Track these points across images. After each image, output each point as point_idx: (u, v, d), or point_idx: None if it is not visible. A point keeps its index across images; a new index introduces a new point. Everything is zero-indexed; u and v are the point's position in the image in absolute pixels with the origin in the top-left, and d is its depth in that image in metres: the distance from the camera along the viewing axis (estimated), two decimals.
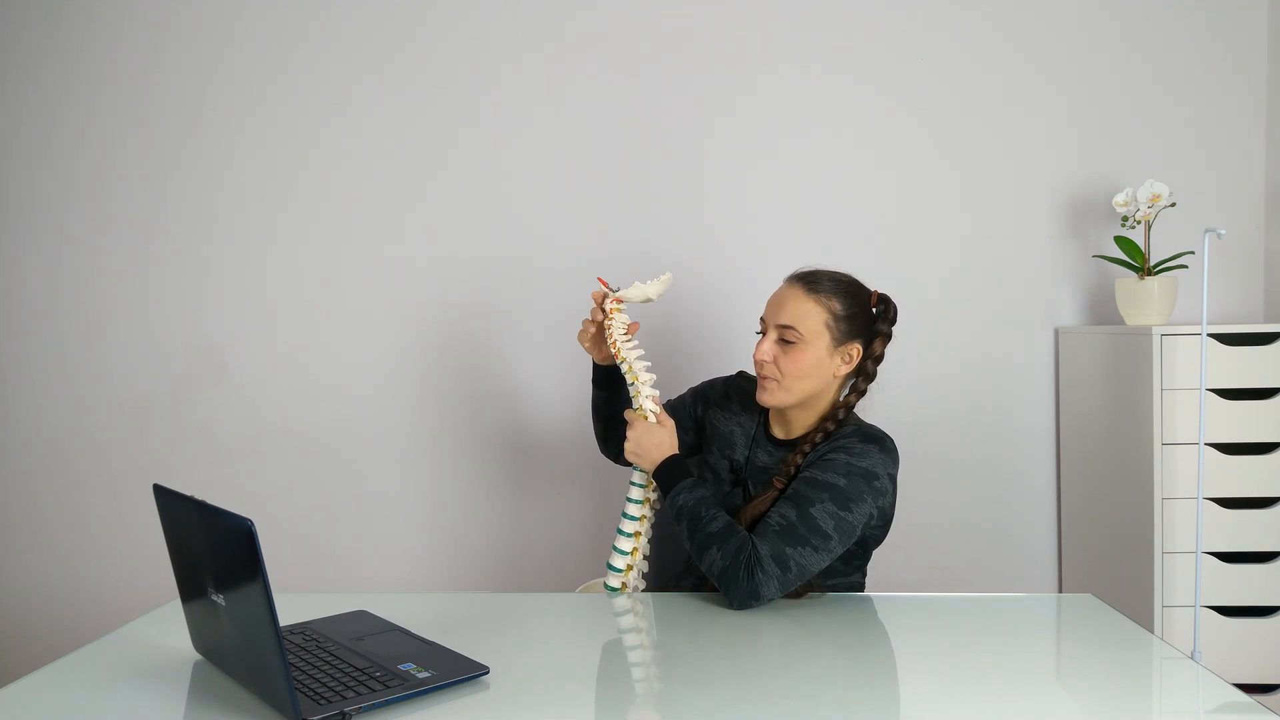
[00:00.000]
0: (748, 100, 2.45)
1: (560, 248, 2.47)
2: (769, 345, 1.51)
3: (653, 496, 1.59)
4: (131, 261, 2.53)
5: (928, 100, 2.43)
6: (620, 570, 1.56)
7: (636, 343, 1.57)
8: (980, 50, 2.42)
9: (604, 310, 1.58)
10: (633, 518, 1.57)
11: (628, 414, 1.57)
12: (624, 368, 1.56)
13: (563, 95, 2.46)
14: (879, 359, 1.54)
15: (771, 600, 1.40)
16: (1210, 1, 2.39)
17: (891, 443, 1.49)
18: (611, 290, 1.57)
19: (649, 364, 1.57)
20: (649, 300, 1.56)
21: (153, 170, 2.52)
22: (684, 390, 1.82)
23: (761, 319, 1.55)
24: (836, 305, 1.50)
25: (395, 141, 2.48)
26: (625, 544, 1.56)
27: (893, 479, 1.48)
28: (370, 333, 2.51)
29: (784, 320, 1.50)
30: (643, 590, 1.59)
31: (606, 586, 1.57)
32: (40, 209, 2.54)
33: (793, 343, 1.49)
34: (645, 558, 1.59)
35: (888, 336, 1.54)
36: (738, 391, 1.69)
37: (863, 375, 1.54)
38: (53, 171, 2.53)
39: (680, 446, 1.73)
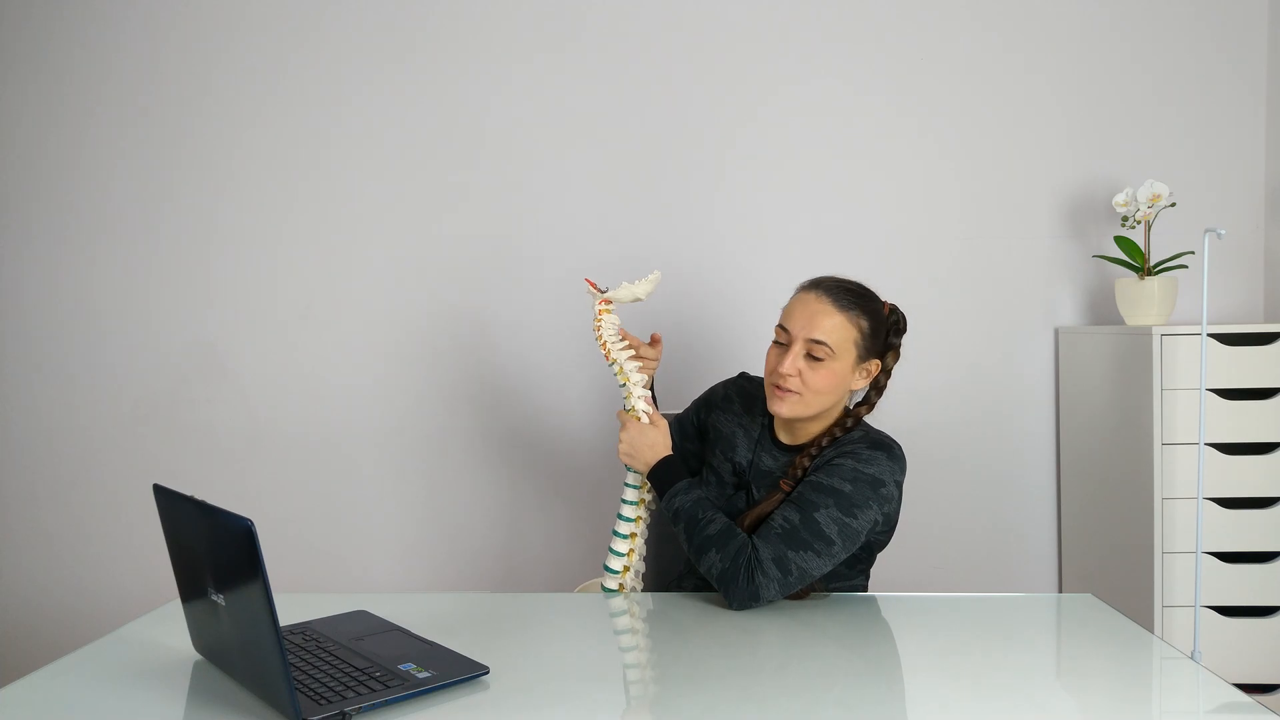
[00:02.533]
0: (749, 104, 2.45)
1: (562, 249, 2.47)
2: (795, 359, 1.46)
3: (648, 497, 1.59)
4: (131, 262, 2.53)
5: (928, 101, 2.43)
6: (617, 572, 1.56)
7: (627, 343, 1.56)
8: (980, 51, 2.42)
9: (593, 311, 1.58)
10: (627, 519, 1.57)
11: (619, 415, 1.57)
12: (614, 369, 1.55)
13: (568, 99, 2.46)
14: (889, 372, 1.54)
15: (771, 602, 1.40)
16: (1210, 2, 2.39)
17: (899, 449, 1.48)
18: (600, 291, 1.55)
19: (640, 364, 1.57)
20: (638, 300, 1.54)
21: (152, 171, 2.52)
22: (690, 403, 1.81)
23: (782, 328, 1.50)
24: (865, 324, 1.49)
25: (397, 142, 2.48)
26: (621, 545, 1.56)
27: (899, 486, 1.47)
28: (370, 333, 2.51)
29: (817, 335, 1.45)
30: (640, 591, 1.60)
31: (603, 588, 1.57)
32: (40, 209, 2.54)
33: (821, 359, 1.46)
34: (642, 558, 1.59)
35: (899, 350, 1.54)
36: (739, 393, 1.68)
37: (874, 389, 1.54)
38: (53, 172, 2.53)
39: (688, 458, 1.73)
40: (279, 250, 2.51)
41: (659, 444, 1.53)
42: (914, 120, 2.44)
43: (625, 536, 1.57)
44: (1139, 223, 2.20)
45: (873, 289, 1.55)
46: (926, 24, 2.42)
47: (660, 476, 1.52)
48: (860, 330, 1.48)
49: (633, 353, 1.56)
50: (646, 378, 1.57)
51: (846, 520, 1.40)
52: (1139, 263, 2.20)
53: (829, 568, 1.41)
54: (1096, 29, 2.41)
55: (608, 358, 1.55)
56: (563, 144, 2.47)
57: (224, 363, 2.53)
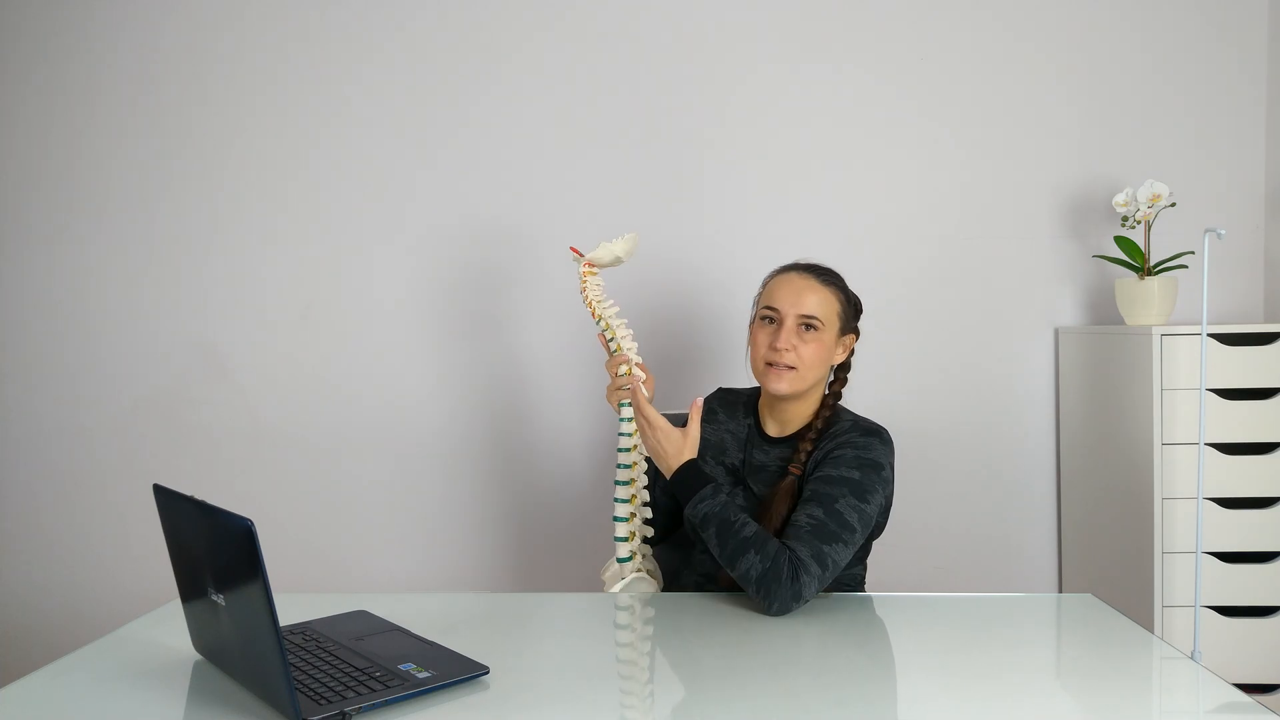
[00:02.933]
0: (748, 98, 2.45)
1: (562, 248, 2.47)
2: (790, 334, 1.52)
3: (639, 459, 1.61)
4: (130, 261, 2.53)
5: (928, 100, 2.43)
6: (625, 539, 1.60)
7: (613, 301, 1.60)
8: (980, 50, 2.42)
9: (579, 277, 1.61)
10: (624, 482, 1.60)
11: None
12: (600, 326, 1.60)
13: (562, 89, 2.46)
14: (853, 352, 1.64)
15: (807, 601, 1.40)
16: (1210, 2, 2.39)
17: (888, 434, 1.54)
18: (581, 255, 1.60)
19: (627, 320, 1.61)
20: (619, 260, 1.59)
21: (151, 170, 2.52)
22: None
23: (770, 308, 1.55)
24: (843, 297, 1.58)
25: (394, 140, 2.48)
26: (622, 510, 1.60)
27: (892, 468, 1.53)
28: (369, 332, 2.51)
29: (807, 310, 1.52)
30: (651, 570, 1.63)
31: (618, 559, 1.59)
32: (39, 208, 2.54)
33: (815, 330, 1.52)
34: (646, 522, 1.62)
35: (857, 331, 1.64)
36: (721, 403, 1.72)
37: (842, 366, 1.63)
38: (51, 171, 2.53)
39: None
40: (278, 250, 2.51)
41: (684, 451, 1.51)
42: (914, 120, 2.44)
43: (625, 501, 1.60)
44: (1139, 223, 2.20)
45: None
46: (926, 24, 2.42)
47: (685, 481, 1.49)
48: (840, 304, 1.58)
49: (618, 309, 1.60)
50: (632, 333, 1.61)
51: (862, 506, 1.44)
52: (1139, 263, 2.20)
53: (850, 556, 1.45)
54: (1097, 29, 2.41)
55: (594, 316, 1.59)
56: (563, 143, 2.46)
57: (224, 363, 2.53)
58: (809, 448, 1.52)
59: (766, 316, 1.55)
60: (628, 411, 1.59)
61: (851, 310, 1.60)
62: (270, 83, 2.49)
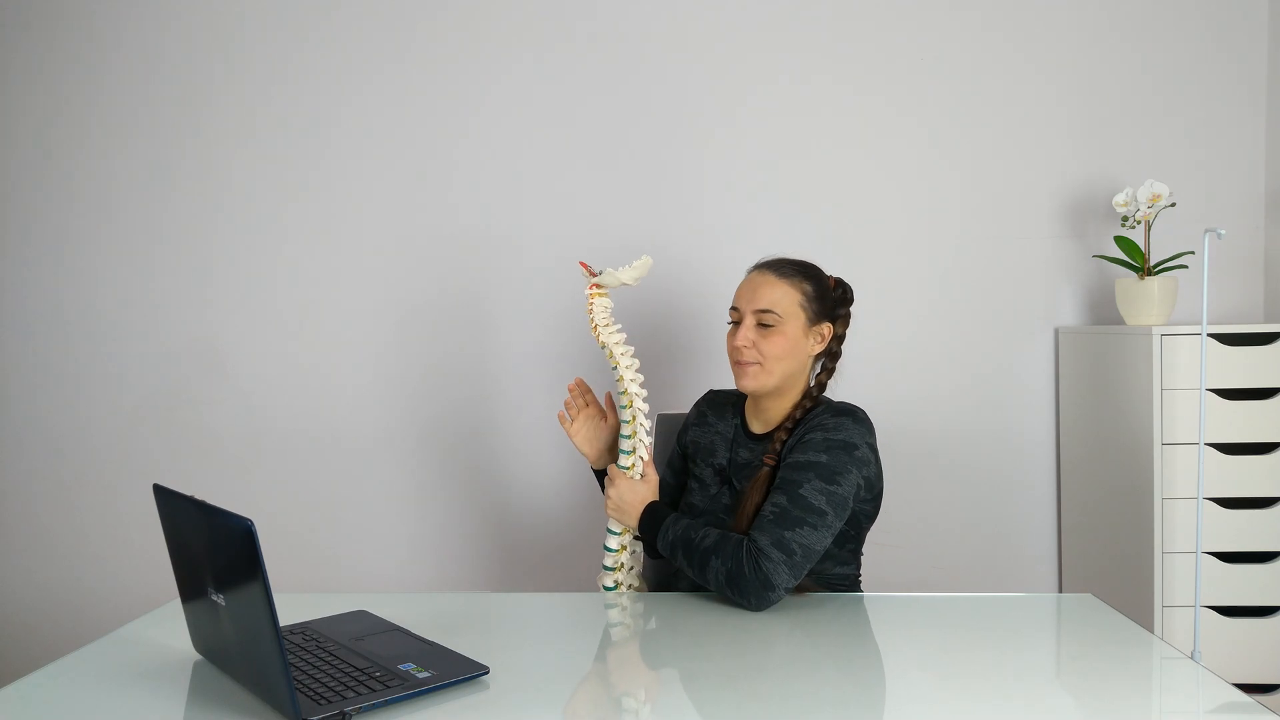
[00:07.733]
0: (747, 100, 2.45)
1: (561, 246, 2.47)
2: (748, 331, 1.53)
3: None
4: (132, 262, 2.53)
5: (928, 100, 2.43)
6: (612, 569, 1.57)
7: (619, 326, 1.57)
8: (980, 51, 2.42)
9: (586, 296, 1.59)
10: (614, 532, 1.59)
11: (611, 469, 1.59)
12: (605, 352, 1.56)
13: (562, 95, 2.46)
14: (842, 339, 1.60)
15: (788, 589, 1.39)
16: (1210, 1, 2.39)
17: (863, 413, 1.53)
18: (591, 275, 1.56)
19: (633, 349, 1.57)
20: (625, 285, 1.56)
21: (153, 171, 2.52)
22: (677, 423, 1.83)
23: (733, 309, 1.58)
24: (807, 287, 1.56)
25: (395, 142, 2.48)
26: (613, 542, 1.58)
27: (872, 448, 1.51)
28: (370, 332, 2.51)
29: (762, 305, 1.53)
30: (639, 587, 1.61)
31: (603, 587, 1.58)
32: (42, 210, 2.54)
33: (771, 326, 1.52)
34: (634, 554, 1.60)
35: (848, 317, 1.61)
36: (709, 405, 1.73)
37: (829, 355, 1.60)
38: (54, 173, 2.53)
39: (680, 491, 1.75)
40: (279, 251, 2.51)
41: (648, 496, 1.56)
42: (914, 120, 2.44)
43: (617, 533, 1.58)
44: (1139, 223, 2.20)
45: (814, 264, 1.61)
46: (927, 23, 2.42)
47: (647, 524, 1.53)
48: (804, 293, 1.55)
49: (624, 336, 1.57)
50: (638, 362, 1.58)
51: (831, 489, 1.43)
52: (1139, 263, 2.20)
53: (829, 540, 1.43)
54: (1097, 29, 2.41)
55: (598, 341, 1.56)
56: (565, 144, 2.46)
57: (224, 363, 2.53)
58: (784, 437, 1.52)
59: (733, 320, 1.58)
60: (628, 445, 1.58)
61: (822, 300, 1.57)
62: (271, 85, 2.49)
